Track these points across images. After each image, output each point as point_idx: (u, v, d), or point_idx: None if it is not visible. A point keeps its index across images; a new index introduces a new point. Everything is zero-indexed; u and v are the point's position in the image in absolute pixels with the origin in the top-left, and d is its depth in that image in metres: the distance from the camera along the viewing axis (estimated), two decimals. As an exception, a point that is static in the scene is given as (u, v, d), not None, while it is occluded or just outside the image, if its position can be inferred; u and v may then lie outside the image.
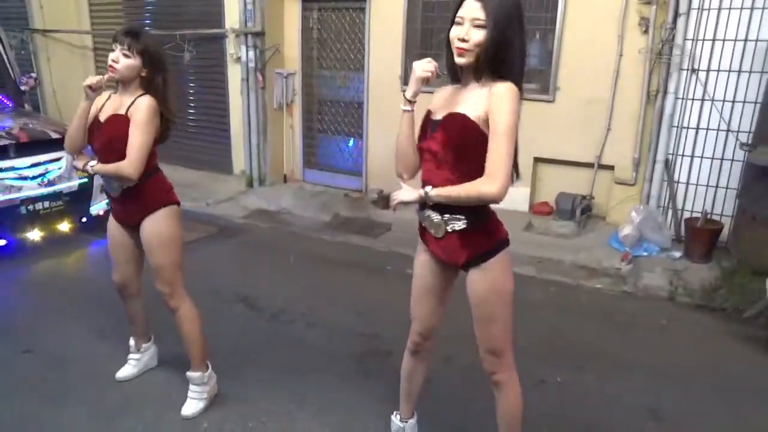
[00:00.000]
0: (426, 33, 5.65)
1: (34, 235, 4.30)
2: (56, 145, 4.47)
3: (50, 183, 4.34)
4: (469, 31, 1.73)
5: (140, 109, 2.35)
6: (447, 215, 1.88)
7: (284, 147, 6.62)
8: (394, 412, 2.42)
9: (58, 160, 4.44)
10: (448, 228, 1.89)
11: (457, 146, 1.80)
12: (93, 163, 2.43)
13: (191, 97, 6.93)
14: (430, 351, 2.26)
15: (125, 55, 2.33)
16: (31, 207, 4.24)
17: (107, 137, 2.39)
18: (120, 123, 2.36)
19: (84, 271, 4.36)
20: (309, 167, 6.65)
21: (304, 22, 6.16)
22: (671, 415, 2.70)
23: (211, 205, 5.81)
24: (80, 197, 4.56)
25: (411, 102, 1.85)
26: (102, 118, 2.42)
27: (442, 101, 1.89)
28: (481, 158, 1.75)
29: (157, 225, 2.47)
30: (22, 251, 4.32)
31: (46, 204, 4.33)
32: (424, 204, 1.90)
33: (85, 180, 4.55)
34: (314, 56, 6.30)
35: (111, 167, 2.37)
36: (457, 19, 1.77)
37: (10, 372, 2.92)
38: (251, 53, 6.05)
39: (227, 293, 3.81)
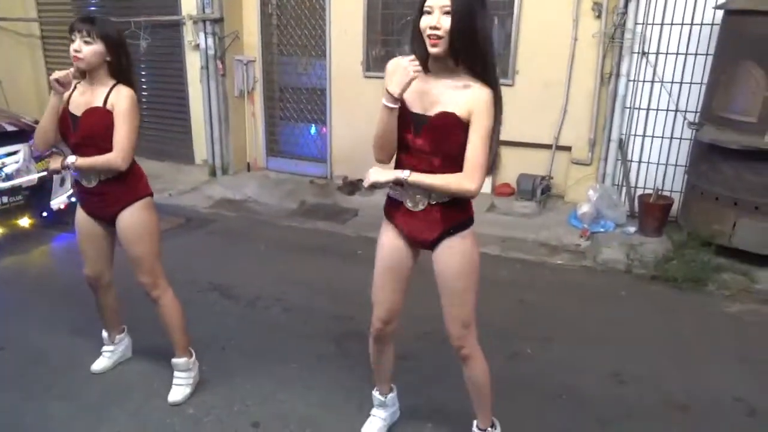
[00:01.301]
0: (386, 19, 5.69)
1: (-6, 231, 4.19)
2: (12, 137, 4.35)
3: (8, 177, 4.20)
4: (440, 19, 1.76)
5: (122, 99, 2.33)
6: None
7: (246, 135, 6.57)
8: (375, 388, 2.51)
9: (15, 153, 4.30)
10: (431, 201, 1.97)
11: (445, 143, 1.88)
12: (73, 158, 2.38)
13: (148, 86, 6.76)
14: (393, 333, 2.29)
15: (87, 42, 2.29)
16: (-11, 202, 4.12)
17: (87, 131, 2.36)
18: (100, 116, 2.34)
19: (49, 266, 4.28)
20: (272, 155, 6.62)
21: (263, 8, 6.10)
22: (634, 379, 2.89)
23: (174, 196, 5.74)
24: (40, 191, 4.43)
25: (398, 100, 1.85)
26: (76, 111, 2.38)
27: (416, 92, 1.90)
28: (460, 148, 1.86)
29: (135, 216, 2.47)
30: (-19, 249, 4.21)
31: (5, 199, 4.19)
32: (399, 183, 1.95)
33: (45, 173, 4.43)
34: (274, 42, 6.26)
35: (100, 160, 2.34)
36: (426, 8, 1.79)
37: (-15, 370, 2.88)
38: (210, 40, 5.96)
39: (201, 283, 3.82)
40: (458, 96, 1.85)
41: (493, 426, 2.30)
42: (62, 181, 4.65)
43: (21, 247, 4.37)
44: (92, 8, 6.90)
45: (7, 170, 4.21)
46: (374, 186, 1.95)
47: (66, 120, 2.39)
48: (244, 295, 3.71)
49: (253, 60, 6.25)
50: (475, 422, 2.30)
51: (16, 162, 4.29)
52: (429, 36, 1.79)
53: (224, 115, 6.24)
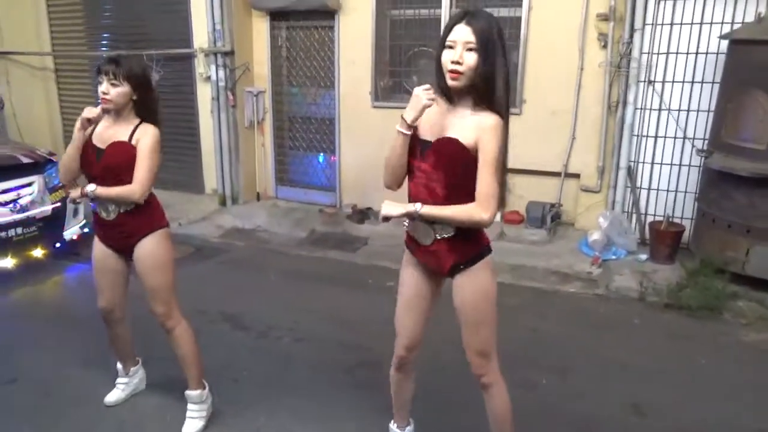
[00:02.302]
0: (394, 49, 5.79)
1: (7, 263, 4.20)
2: (27, 169, 4.42)
3: (23, 209, 4.25)
4: (462, 54, 1.80)
5: (147, 136, 2.41)
6: (436, 224, 1.97)
7: (256, 165, 6.63)
8: (392, 421, 2.49)
9: (29, 185, 4.36)
10: (437, 235, 1.98)
11: (448, 168, 1.89)
12: (92, 187, 2.42)
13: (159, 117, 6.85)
14: (415, 362, 2.31)
15: (113, 85, 2.36)
16: (3, 234, 4.14)
17: (110, 164, 2.40)
18: (124, 150, 2.39)
19: (62, 297, 4.29)
20: (282, 184, 6.67)
21: (272, 40, 6.22)
22: (652, 410, 2.85)
23: (184, 226, 5.77)
24: (54, 222, 4.48)
25: (411, 126, 1.90)
26: (100, 144, 2.43)
27: (429, 122, 1.94)
28: (468, 178, 1.87)
29: (153, 247, 2.49)
30: (-5, 279, 4.23)
31: (19, 230, 4.24)
32: (411, 216, 1.97)
33: (59, 204, 4.49)
34: (284, 74, 6.36)
35: (118, 190, 2.39)
36: (448, 43, 1.83)
37: (-2, 402, 2.87)
38: (221, 72, 6.07)
39: (212, 313, 3.82)
40: (465, 123, 1.88)
41: None
42: (75, 212, 4.70)
43: (34, 277, 4.39)
44: (105, 42, 7.05)
45: (22, 201, 4.27)
46: (387, 219, 1.97)
47: (89, 152, 2.44)
48: (256, 325, 3.70)
49: (263, 91, 6.34)
50: None
51: (31, 193, 4.35)
52: (450, 71, 1.82)
53: (234, 145, 6.31)
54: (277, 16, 6.10)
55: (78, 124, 2.39)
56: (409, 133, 1.91)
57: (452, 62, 1.81)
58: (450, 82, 1.84)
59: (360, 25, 5.73)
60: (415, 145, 1.96)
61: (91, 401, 2.85)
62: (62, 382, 3.03)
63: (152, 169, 2.41)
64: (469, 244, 2.00)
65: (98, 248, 2.61)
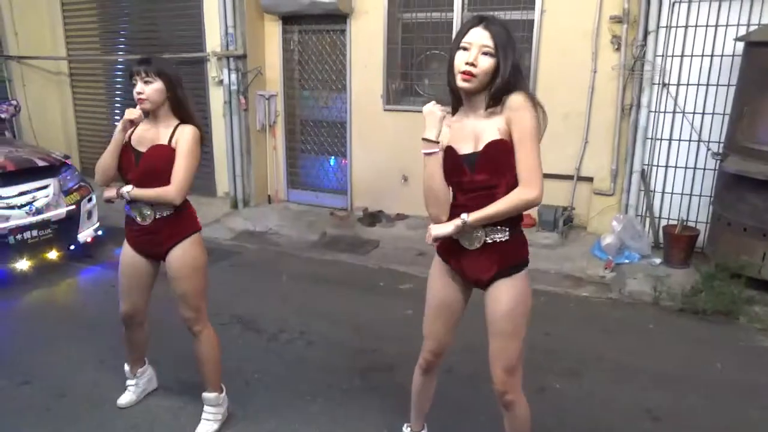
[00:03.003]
0: (406, 53, 5.79)
1: (23, 264, 4.24)
2: (43, 172, 4.46)
3: (38, 211, 4.29)
4: (477, 57, 1.80)
5: (185, 136, 2.40)
6: (488, 227, 1.93)
7: (268, 168, 6.66)
8: (405, 425, 2.48)
9: (45, 188, 4.40)
10: (487, 239, 1.94)
11: (502, 171, 1.86)
12: (129, 188, 2.41)
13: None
14: (439, 366, 2.31)
15: (147, 83, 2.36)
16: (19, 236, 4.18)
17: (149, 167, 2.40)
18: (164, 153, 2.39)
19: (76, 299, 4.32)
20: (293, 187, 6.69)
21: (285, 44, 6.25)
22: (667, 415, 2.82)
23: (196, 228, 5.80)
24: (68, 225, 4.52)
25: (436, 142, 1.88)
26: (138, 147, 2.43)
27: (459, 134, 1.92)
28: (513, 168, 1.84)
29: (186, 252, 2.48)
30: (10, 282, 4.26)
31: (35, 233, 4.28)
32: (462, 230, 1.92)
33: (73, 207, 4.53)
34: (296, 77, 6.39)
35: (154, 192, 2.38)
36: (463, 45, 1.82)
37: (11, 404, 2.89)
38: (233, 76, 6.10)
39: (224, 315, 3.83)
40: (494, 122, 1.86)
41: None
42: (89, 215, 4.73)
43: (48, 279, 4.42)
44: (120, 47, 7.12)
45: (38, 204, 4.30)
46: (437, 240, 1.95)
47: (128, 155, 2.44)
48: (268, 328, 3.70)
49: (275, 94, 6.37)
50: None
51: (46, 196, 4.39)
52: (463, 72, 1.81)
53: (246, 148, 6.34)
54: (289, 20, 6.13)
55: (119, 126, 2.40)
56: (435, 150, 1.88)
57: (466, 63, 1.81)
58: (461, 84, 1.84)
59: (372, 29, 5.74)
60: (458, 161, 1.92)
61: (105, 403, 2.87)
62: (76, 384, 3.05)
63: (189, 169, 2.39)
64: (518, 248, 1.98)
65: (127, 252, 2.58)
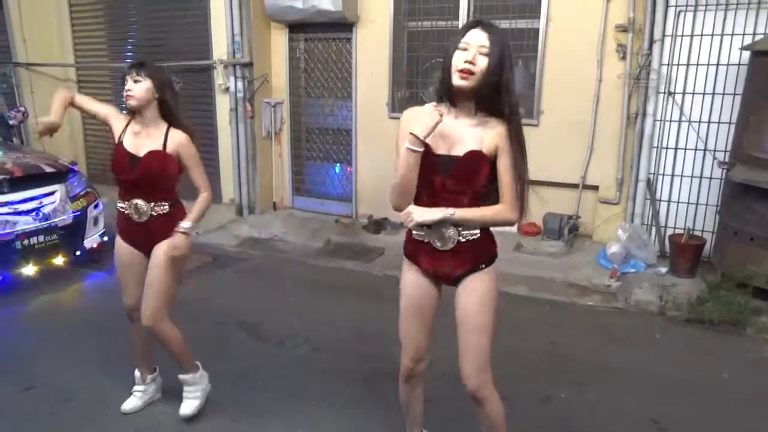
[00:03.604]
0: (412, 61, 5.82)
1: (29, 270, 4.25)
2: (50, 178, 4.49)
3: (45, 217, 4.31)
4: (476, 56, 1.82)
5: (188, 150, 2.58)
6: (461, 228, 1.98)
7: (273, 175, 6.68)
8: (406, 433, 2.47)
9: (52, 194, 4.42)
10: (461, 238, 1.98)
11: (475, 179, 1.93)
12: (188, 224, 2.57)
13: (178, 128, 6.94)
14: (423, 373, 2.28)
15: (136, 81, 2.48)
16: (26, 242, 4.19)
17: (146, 172, 2.52)
18: (161, 159, 2.53)
19: (81, 305, 4.33)
20: (298, 194, 6.71)
21: (291, 52, 6.28)
22: (674, 425, 2.80)
23: (201, 235, 5.80)
24: (74, 230, 4.53)
25: (424, 143, 1.89)
26: (133, 151, 2.53)
27: (436, 136, 1.92)
28: (487, 186, 1.95)
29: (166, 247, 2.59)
30: (17, 287, 4.27)
31: (41, 238, 4.29)
32: (445, 221, 1.95)
33: (79, 213, 4.54)
34: (302, 85, 6.42)
35: (202, 208, 2.63)
36: (462, 45, 1.85)
37: (16, 410, 2.89)
38: (240, 83, 6.13)
39: (230, 321, 3.83)
40: (478, 133, 1.92)
41: None
42: (95, 221, 4.75)
43: (54, 285, 4.43)
44: (128, 54, 7.17)
45: (44, 210, 4.32)
46: (421, 225, 1.96)
47: (123, 158, 2.54)
48: (272, 334, 3.70)
49: (281, 102, 6.40)
50: None
51: (53, 202, 4.41)
52: (461, 69, 1.84)
53: (252, 155, 6.37)
54: (295, 28, 6.17)
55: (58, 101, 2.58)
56: (421, 149, 1.89)
57: (464, 61, 1.83)
58: (458, 82, 1.85)
59: (377, 37, 5.77)
60: (433, 160, 1.94)
61: (109, 409, 2.87)
62: (80, 390, 3.05)
63: (203, 170, 2.65)
64: (488, 244, 2.05)
65: (121, 247, 2.69)
